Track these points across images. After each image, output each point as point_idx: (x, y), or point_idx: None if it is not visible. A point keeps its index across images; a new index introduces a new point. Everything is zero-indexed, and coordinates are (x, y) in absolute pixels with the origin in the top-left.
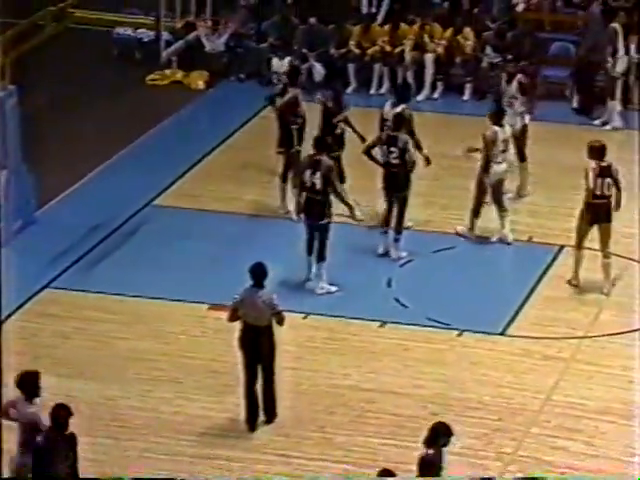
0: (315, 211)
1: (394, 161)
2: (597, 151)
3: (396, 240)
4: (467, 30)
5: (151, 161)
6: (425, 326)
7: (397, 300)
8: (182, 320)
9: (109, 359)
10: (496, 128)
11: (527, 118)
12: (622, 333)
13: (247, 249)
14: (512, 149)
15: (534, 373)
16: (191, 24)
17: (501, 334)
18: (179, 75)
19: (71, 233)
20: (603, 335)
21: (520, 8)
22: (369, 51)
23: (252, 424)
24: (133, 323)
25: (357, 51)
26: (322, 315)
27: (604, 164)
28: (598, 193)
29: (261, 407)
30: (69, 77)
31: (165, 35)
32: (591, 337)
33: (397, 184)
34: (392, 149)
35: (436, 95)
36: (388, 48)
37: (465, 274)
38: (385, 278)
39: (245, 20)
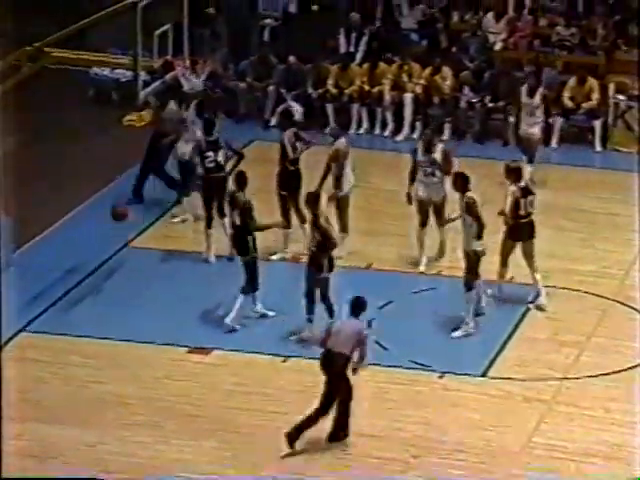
0: (239, 247)
1: None
2: (515, 172)
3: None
4: (445, 69)
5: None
6: (406, 368)
7: (377, 342)
8: (161, 363)
9: (87, 404)
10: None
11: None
12: (603, 375)
13: (226, 290)
14: None
15: (515, 415)
16: (169, 63)
17: (482, 376)
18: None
19: (47, 276)
20: (584, 377)
21: (498, 47)
22: (347, 91)
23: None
24: (111, 367)
25: (335, 91)
26: (302, 358)
27: (522, 185)
28: (522, 213)
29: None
30: (45, 118)
31: (143, 75)
32: (572, 379)
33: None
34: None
35: (415, 135)
36: (367, 88)
37: (446, 315)
38: (365, 320)
39: (223, 59)
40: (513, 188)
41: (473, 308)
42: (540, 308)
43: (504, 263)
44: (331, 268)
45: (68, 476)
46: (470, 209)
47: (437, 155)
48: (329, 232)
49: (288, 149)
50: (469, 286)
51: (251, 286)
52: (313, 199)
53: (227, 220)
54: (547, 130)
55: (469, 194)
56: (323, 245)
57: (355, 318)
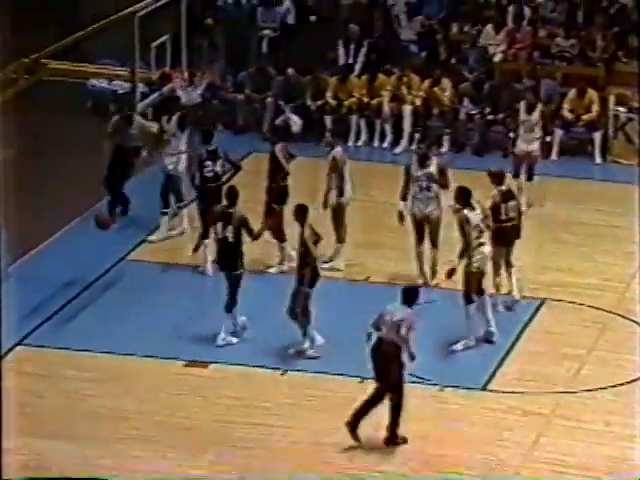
0: (228, 262)
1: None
2: (497, 176)
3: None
4: (445, 81)
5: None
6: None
7: None
8: (158, 377)
9: (83, 418)
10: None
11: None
12: (603, 388)
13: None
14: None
15: (515, 429)
16: (167, 75)
17: (482, 389)
18: (154, 128)
19: (44, 289)
20: (584, 390)
21: (497, 58)
22: (346, 102)
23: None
24: (107, 381)
25: (334, 102)
26: (300, 371)
27: (504, 188)
28: (503, 217)
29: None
30: (43, 130)
31: (140, 87)
32: (572, 392)
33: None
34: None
35: (414, 147)
36: (365, 99)
37: (445, 328)
38: (364, 332)
39: (221, 71)
40: (494, 192)
41: (473, 322)
42: (509, 308)
43: (497, 272)
44: (312, 284)
45: (68, 476)
46: (460, 226)
47: (433, 169)
48: (310, 247)
49: (283, 162)
50: (468, 300)
51: (234, 302)
52: (303, 211)
53: (214, 235)
54: (546, 146)
55: (465, 211)
56: (304, 259)
57: (407, 307)
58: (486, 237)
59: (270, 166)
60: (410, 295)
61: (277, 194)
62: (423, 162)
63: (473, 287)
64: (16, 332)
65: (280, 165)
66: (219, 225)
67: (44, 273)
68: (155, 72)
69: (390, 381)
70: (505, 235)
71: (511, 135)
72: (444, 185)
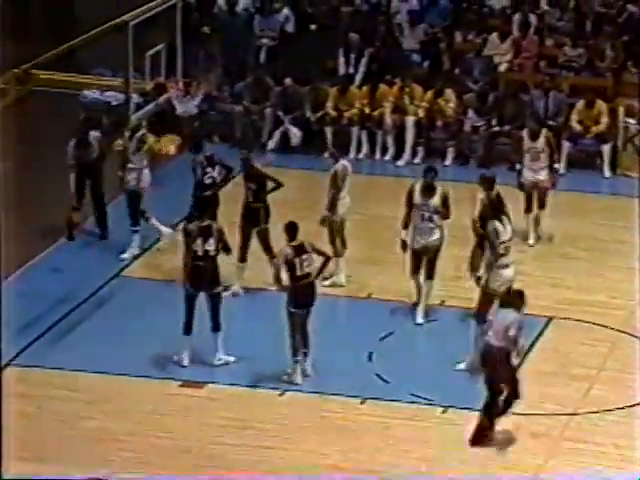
0: (207, 279)
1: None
2: (487, 181)
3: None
4: (448, 92)
5: (119, 230)
6: (408, 402)
7: (378, 375)
8: (152, 398)
9: (74, 440)
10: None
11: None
12: (613, 410)
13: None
14: None
15: (522, 451)
16: (162, 86)
17: None
18: (149, 140)
19: (36, 306)
20: (594, 412)
21: (502, 68)
22: (347, 114)
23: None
24: (99, 401)
25: (334, 114)
26: (299, 392)
27: (494, 194)
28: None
29: None
30: (34, 143)
31: (134, 97)
32: (581, 414)
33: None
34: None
35: (417, 160)
36: (367, 110)
37: (449, 347)
38: (365, 352)
39: (218, 81)
40: (481, 196)
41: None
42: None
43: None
44: (296, 305)
45: (68, 476)
46: (488, 238)
47: (437, 200)
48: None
49: (268, 182)
50: (479, 319)
51: (219, 320)
52: (294, 229)
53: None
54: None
55: (495, 222)
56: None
57: (516, 311)
58: (511, 259)
59: (257, 186)
60: (517, 298)
61: (263, 213)
62: (428, 191)
63: (487, 307)
64: (5, 351)
65: (264, 184)
66: (199, 240)
67: (36, 290)
68: (150, 82)
69: (503, 382)
70: None
71: (517, 167)
72: (446, 216)
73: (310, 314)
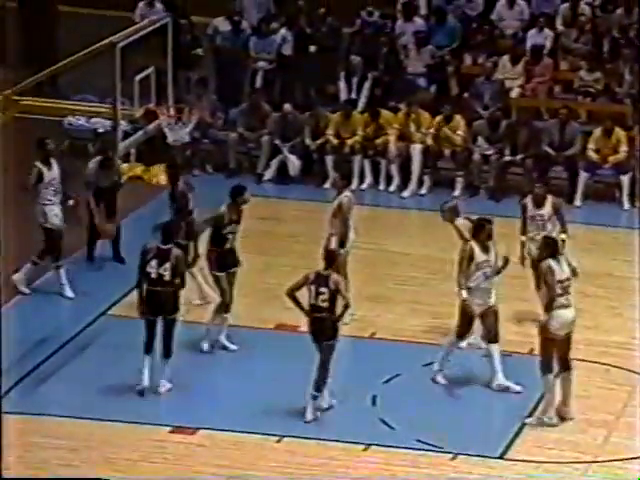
0: (168, 305)
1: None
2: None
3: (314, 398)
4: (457, 118)
5: (106, 266)
6: (414, 449)
7: (383, 420)
8: (139, 444)
9: None
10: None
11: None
12: (635, 458)
13: (211, 362)
14: None
15: None
16: (152, 112)
17: (499, 458)
18: (138, 170)
19: (15, 348)
20: (613, 460)
21: (514, 94)
22: (349, 141)
23: None
24: (83, 449)
25: (335, 141)
26: (298, 437)
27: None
28: None
29: None
30: (17, 172)
31: (123, 125)
32: (600, 462)
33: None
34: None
35: (424, 191)
36: (370, 138)
37: (459, 390)
38: (369, 395)
39: (212, 108)
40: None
41: (553, 396)
42: None
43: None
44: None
45: (68, 476)
46: (544, 278)
47: (493, 256)
48: None
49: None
50: (544, 369)
51: (170, 349)
52: (329, 258)
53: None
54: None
55: (550, 261)
56: None
57: None
58: (571, 300)
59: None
60: None
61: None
62: (486, 247)
63: (550, 352)
64: None
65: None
66: (154, 262)
67: (15, 331)
68: (139, 108)
69: None
70: None
71: (522, 238)
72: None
73: (324, 352)
